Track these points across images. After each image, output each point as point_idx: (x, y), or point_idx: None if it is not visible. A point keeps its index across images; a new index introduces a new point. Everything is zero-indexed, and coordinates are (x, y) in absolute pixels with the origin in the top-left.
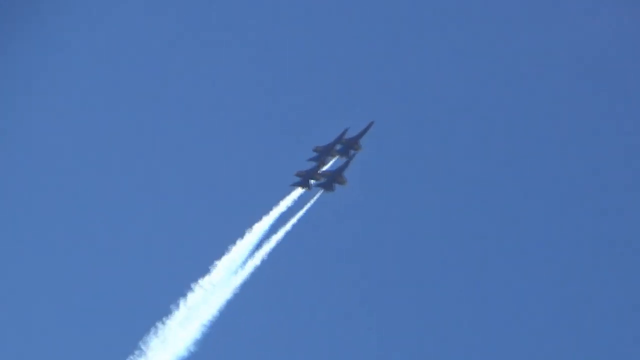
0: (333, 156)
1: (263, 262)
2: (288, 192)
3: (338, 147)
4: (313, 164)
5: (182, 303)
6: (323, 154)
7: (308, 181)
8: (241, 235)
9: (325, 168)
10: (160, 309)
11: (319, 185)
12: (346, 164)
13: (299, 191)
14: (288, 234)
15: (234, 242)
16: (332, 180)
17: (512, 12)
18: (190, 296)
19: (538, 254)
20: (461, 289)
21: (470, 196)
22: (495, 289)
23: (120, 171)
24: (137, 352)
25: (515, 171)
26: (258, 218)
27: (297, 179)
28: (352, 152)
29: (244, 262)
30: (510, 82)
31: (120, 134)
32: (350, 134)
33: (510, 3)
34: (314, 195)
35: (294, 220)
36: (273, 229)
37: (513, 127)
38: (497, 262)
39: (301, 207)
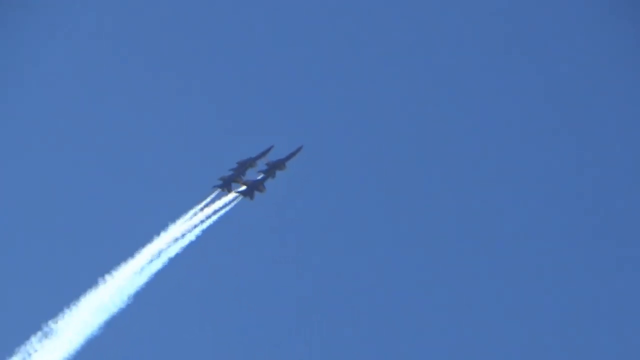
0: (255, 170)
1: (170, 261)
2: (207, 195)
3: (263, 165)
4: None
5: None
6: (245, 166)
7: (230, 185)
8: (154, 233)
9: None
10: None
11: (240, 192)
12: (269, 175)
13: (219, 194)
14: (201, 235)
15: (143, 243)
16: (253, 188)
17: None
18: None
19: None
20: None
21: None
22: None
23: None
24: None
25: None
26: (174, 218)
27: (220, 183)
28: (276, 172)
29: (151, 260)
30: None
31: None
32: (278, 155)
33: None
34: (233, 200)
35: (207, 222)
36: (187, 228)
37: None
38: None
39: (217, 210)
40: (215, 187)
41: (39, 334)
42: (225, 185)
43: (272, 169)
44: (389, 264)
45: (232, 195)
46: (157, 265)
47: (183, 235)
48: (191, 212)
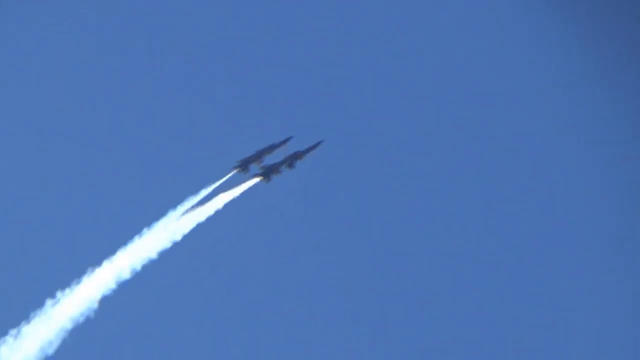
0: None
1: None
2: (223, 175)
3: (281, 155)
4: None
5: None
6: (263, 152)
7: (247, 166)
8: (164, 212)
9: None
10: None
11: (256, 174)
12: (288, 162)
13: (235, 175)
14: (214, 215)
15: (157, 218)
16: (270, 171)
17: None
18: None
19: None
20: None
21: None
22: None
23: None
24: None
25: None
26: (188, 196)
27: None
28: (296, 162)
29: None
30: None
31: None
32: (297, 147)
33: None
34: (249, 181)
35: (222, 202)
36: (200, 207)
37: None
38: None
39: (233, 191)
40: (234, 167)
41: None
42: (243, 167)
43: (292, 158)
44: (402, 266)
45: (252, 181)
46: (166, 243)
47: (194, 211)
48: (207, 190)
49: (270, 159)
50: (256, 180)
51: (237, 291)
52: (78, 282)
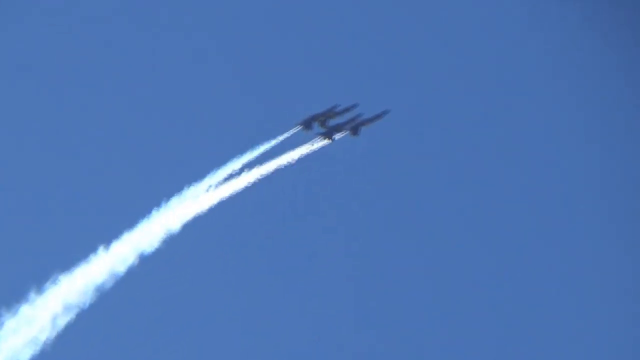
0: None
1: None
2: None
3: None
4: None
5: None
6: (327, 114)
7: (311, 124)
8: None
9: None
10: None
11: (320, 134)
12: (355, 124)
13: (299, 132)
14: (275, 171)
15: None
16: (333, 130)
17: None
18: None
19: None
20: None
21: (461, 198)
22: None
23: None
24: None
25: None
26: (251, 148)
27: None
28: (360, 128)
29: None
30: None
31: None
32: (361, 115)
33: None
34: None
35: (285, 160)
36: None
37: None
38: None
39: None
40: (297, 124)
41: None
42: (306, 125)
43: (357, 123)
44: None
45: (319, 143)
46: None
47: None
48: (270, 144)
49: (333, 122)
50: (321, 141)
51: (300, 248)
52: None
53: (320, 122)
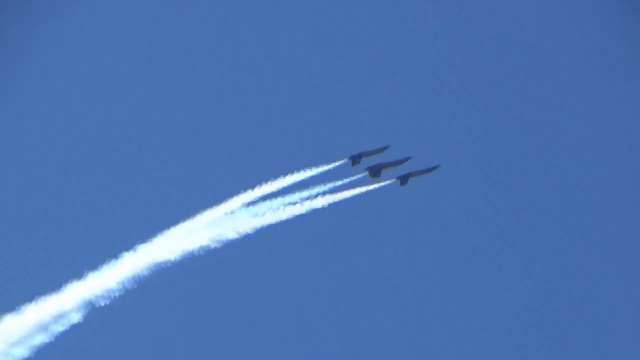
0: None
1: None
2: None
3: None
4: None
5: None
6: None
7: (359, 160)
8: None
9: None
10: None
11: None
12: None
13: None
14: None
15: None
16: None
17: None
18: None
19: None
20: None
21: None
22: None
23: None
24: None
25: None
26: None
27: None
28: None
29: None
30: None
31: None
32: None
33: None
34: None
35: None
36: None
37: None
38: None
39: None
40: (347, 158)
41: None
42: (355, 160)
43: (406, 174)
44: None
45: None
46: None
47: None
48: (312, 172)
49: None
50: (368, 178)
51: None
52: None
53: (370, 172)
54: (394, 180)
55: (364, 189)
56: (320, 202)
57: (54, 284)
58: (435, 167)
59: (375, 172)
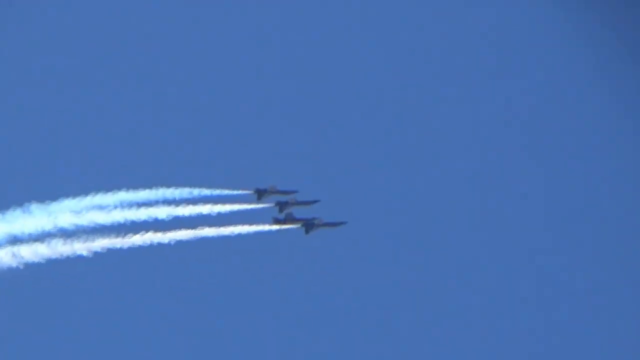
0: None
1: None
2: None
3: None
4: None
5: None
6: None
7: (263, 195)
8: None
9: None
10: None
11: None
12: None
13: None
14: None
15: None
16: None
17: None
18: None
19: None
20: None
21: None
22: None
23: None
24: None
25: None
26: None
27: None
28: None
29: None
30: None
31: None
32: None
33: None
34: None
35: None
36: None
37: None
38: None
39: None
40: (253, 189)
41: None
42: (260, 194)
43: (312, 223)
44: None
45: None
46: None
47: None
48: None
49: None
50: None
51: None
52: None
53: (279, 206)
54: (299, 226)
55: (266, 227)
56: (220, 231)
57: None
58: (342, 223)
59: (283, 208)
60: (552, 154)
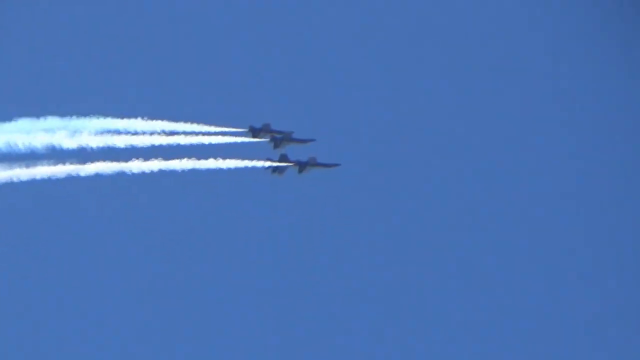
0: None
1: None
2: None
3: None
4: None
5: None
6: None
7: (259, 134)
8: None
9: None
10: None
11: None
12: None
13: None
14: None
15: None
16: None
17: None
18: None
19: None
20: None
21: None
22: None
23: None
24: None
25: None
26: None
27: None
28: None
29: None
30: None
31: None
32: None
33: None
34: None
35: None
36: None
37: None
38: None
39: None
40: (248, 128)
41: None
42: (255, 133)
43: (306, 163)
44: None
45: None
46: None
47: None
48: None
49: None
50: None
51: None
52: None
53: (274, 142)
54: (293, 165)
55: (259, 163)
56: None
57: None
58: (336, 164)
59: (277, 144)
60: (552, 153)
